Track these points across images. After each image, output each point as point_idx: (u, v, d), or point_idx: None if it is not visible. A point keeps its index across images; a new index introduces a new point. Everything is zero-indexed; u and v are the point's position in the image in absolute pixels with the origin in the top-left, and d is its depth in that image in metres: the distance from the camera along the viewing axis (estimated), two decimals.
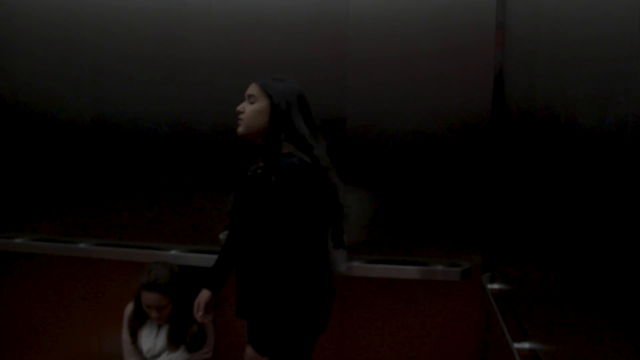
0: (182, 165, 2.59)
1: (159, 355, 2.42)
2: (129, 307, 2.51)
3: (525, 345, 1.67)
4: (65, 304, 2.85)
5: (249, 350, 1.98)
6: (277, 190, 1.78)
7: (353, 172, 2.41)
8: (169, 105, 2.56)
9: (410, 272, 2.42)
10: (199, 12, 2.49)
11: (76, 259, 2.76)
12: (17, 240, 2.79)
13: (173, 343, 2.39)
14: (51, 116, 2.70)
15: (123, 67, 2.59)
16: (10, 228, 2.83)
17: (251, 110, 1.92)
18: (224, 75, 2.49)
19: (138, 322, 2.45)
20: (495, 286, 2.27)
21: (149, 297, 2.34)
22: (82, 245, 2.72)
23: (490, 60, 2.28)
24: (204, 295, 2.10)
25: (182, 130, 2.56)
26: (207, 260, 2.31)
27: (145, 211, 2.66)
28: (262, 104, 1.91)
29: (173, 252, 2.59)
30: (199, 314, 2.06)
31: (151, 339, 2.43)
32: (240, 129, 1.94)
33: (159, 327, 2.45)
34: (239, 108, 1.95)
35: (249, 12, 2.46)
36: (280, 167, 1.80)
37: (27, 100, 2.72)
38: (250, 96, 1.94)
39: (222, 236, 2.47)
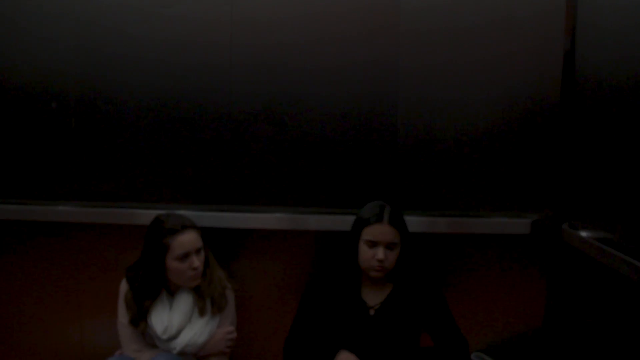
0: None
1: (177, 333, 1.92)
2: (124, 285, 2.00)
3: None
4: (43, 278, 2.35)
5: None
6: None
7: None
8: None
9: (478, 225, 2.12)
10: None
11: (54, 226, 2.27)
12: None
13: (200, 307, 1.94)
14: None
15: None
16: None
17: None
18: None
19: (150, 299, 1.93)
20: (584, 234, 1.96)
21: (186, 240, 1.89)
22: (61, 207, 2.23)
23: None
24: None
25: None
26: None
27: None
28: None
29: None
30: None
31: (164, 317, 1.92)
32: None
33: (172, 299, 1.95)
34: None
35: None
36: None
37: None
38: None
39: None
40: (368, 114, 2.15)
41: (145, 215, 2.04)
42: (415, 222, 2.09)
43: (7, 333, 2.39)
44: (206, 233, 1.99)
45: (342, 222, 2.07)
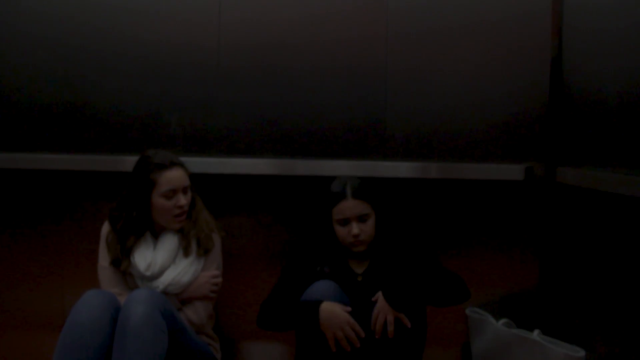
0: None
1: (160, 272, 1.85)
2: (106, 227, 1.94)
3: None
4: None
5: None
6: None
7: None
8: None
9: (474, 170, 2.09)
10: None
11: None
12: None
13: (184, 247, 1.88)
14: None
15: None
16: None
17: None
18: None
19: (134, 235, 1.87)
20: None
21: (174, 176, 1.83)
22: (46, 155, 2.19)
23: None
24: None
25: None
26: None
27: None
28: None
29: None
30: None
31: (148, 255, 1.86)
32: None
33: (156, 241, 1.90)
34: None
35: None
36: None
37: None
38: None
39: None
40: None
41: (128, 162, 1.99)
42: (406, 168, 2.06)
43: None
44: (196, 180, 1.95)
45: (331, 167, 2.05)
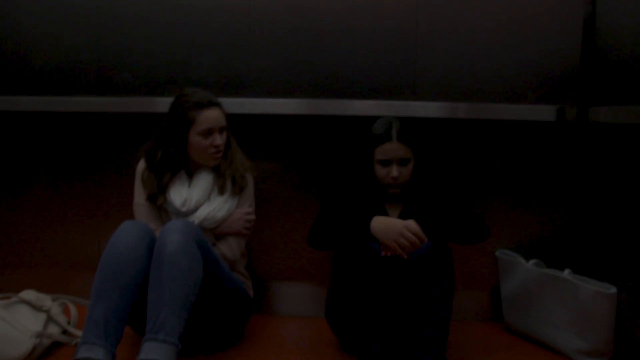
0: None
1: (196, 208, 1.89)
2: (141, 164, 1.97)
3: None
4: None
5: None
6: None
7: None
8: None
9: (504, 111, 2.08)
10: None
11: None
12: None
13: (220, 186, 1.91)
14: None
15: None
16: None
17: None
18: None
19: (170, 172, 1.90)
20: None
21: (212, 115, 1.85)
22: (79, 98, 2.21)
23: None
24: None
25: None
26: None
27: None
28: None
29: None
30: None
31: (183, 192, 1.90)
32: None
33: (190, 179, 1.93)
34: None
35: None
36: None
37: None
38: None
39: None
40: None
41: (163, 103, 2.01)
42: (436, 108, 2.05)
43: (28, 234, 2.40)
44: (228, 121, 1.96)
45: (362, 107, 2.06)
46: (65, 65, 2.26)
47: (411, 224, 1.67)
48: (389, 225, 1.68)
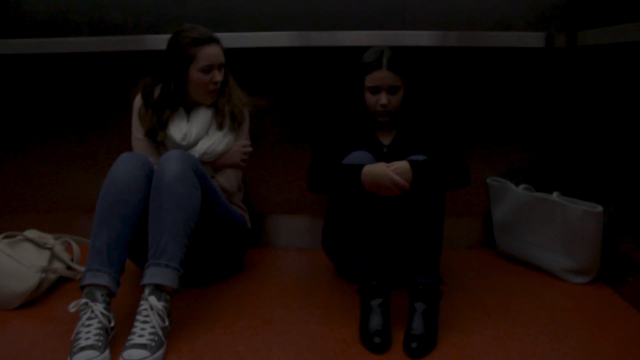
0: None
1: (195, 142, 1.92)
2: (138, 100, 1.98)
3: None
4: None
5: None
6: None
7: None
8: None
9: (494, 38, 2.09)
10: None
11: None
12: None
13: (219, 122, 1.93)
14: None
15: None
16: None
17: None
18: None
19: (169, 109, 1.91)
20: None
21: (212, 52, 1.85)
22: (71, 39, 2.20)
23: None
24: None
25: None
26: None
27: None
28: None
29: None
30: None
31: (183, 126, 1.92)
32: None
33: (189, 115, 1.95)
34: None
35: None
36: None
37: None
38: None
39: None
40: None
41: (155, 40, 2.02)
42: (427, 37, 2.06)
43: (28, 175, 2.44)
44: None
45: (352, 37, 2.07)
46: (56, 7, 2.23)
47: (398, 179, 1.66)
48: (377, 180, 1.67)
